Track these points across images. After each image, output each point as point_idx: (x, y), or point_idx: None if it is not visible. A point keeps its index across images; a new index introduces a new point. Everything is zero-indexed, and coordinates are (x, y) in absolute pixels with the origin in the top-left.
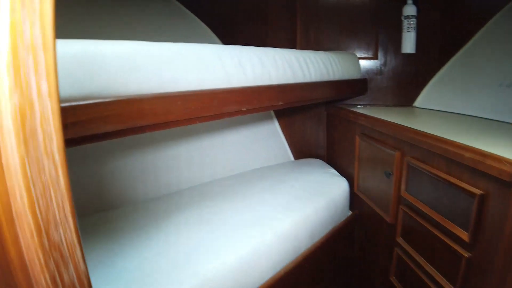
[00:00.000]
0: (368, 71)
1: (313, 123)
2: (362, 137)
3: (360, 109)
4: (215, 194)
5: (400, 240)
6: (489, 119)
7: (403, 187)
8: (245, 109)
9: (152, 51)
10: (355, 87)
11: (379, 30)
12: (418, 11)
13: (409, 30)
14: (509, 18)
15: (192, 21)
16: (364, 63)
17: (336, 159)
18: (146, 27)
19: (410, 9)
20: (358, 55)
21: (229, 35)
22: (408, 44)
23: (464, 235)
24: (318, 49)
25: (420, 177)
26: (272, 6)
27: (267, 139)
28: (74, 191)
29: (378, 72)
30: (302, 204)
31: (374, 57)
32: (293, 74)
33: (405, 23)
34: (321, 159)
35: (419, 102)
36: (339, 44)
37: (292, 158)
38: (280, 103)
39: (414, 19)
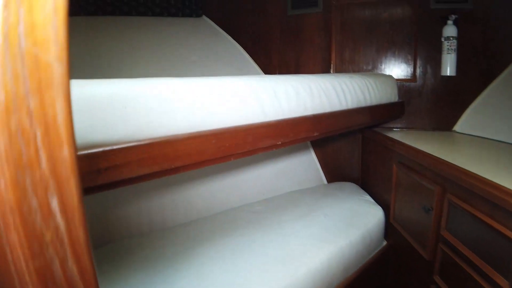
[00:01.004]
0: (406, 93)
1: (347, 145)
2: (400, 166)
3: (397, 134)
4: (247, 222)
5: (437, 278)
6: None
7: (443, 224)
8: (280, 143)
9: (186, 89)
10: (392, 111)
11: (417, 50)
12: (459, 32)
13: (449, 51)
14: None
15: (224, 39)
16: (401, 85)
17: (371, 184)
18: (177, 45)
19: (450, 30)
20: (395, 76)
21: (262, 53)
22: (448, 66)
23: (505, 284)
24: (353, 70)
25: (462, 216)
26: (307, 25)
27: (299, 160)
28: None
29: (416, 94)
30: (336, 236)
31: (412, 79)
32: (329, 102)
33: (445, 44)
34: (355, 183)
35: (459, 126)
36: (375, 64)
37: (325, 181)
38: (315, 134)
39: (455, 40)
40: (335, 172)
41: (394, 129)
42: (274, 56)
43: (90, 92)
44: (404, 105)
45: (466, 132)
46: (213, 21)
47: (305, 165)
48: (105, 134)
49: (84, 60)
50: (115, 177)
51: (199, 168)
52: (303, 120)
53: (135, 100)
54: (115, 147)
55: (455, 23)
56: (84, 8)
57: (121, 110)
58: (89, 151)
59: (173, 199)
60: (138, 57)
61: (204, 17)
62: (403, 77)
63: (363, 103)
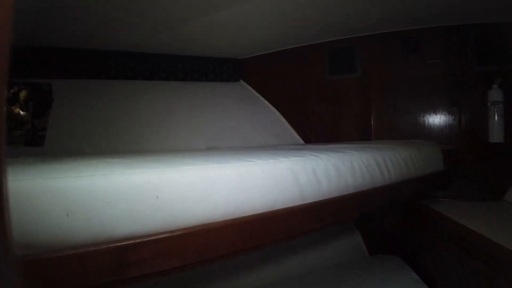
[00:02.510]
0: (451, 161)
1: (390, 216)
2: (450, 245)
3: (443, 206)
4: None
5: None
6: None
7: None
8: (319, 226)
9: (221, 175)
10: (438, 181)
11: (462, 115)
12: (505, 95)
13: (496, 116)
14: None
15: (261, 104)
16: (446, 152)
17: (416, 258)
18: (215, 110)
19: (496, 95)
20: (439, 143)
21: (300, 119)
22: (496, 132)
23: None
24: (393, 136)
25: None
26: (345, 91)
27: (339, 231)
28: None
29: (463, 162)
30: None
31: (458, 146)
32: (371, 178)
33: (492, 109)
34: (398, 255)
35: (510, 195)
36: (416, 131)
37: (366, 253)
38: (357, 213)
39: (501, 105)
40: (376, 243)
41: (440, 200)
42: (312, 122)
43: (122, 183)
44: (450, 174)
45: None
46: (251, 85)
47: (345, 237)
48: (135, 225)
49: (125, 123)
50: (144, 271)
51: (232, 258)
52: (344, 199)
53: (168, 189)
54: (145, 239)
55: (501, 86)
56: (125, 74)
57: (153, 200)
58: (118, 244)
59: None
60: (176, 121)
61: (241, 81)
62: (447, 144)
63: (407, 176)
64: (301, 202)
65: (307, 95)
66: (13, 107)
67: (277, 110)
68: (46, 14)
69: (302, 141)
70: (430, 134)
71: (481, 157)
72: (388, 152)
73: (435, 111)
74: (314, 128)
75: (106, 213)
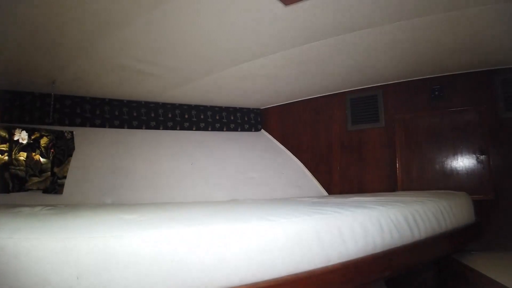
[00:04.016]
0: (483, 211)
1: (419, 273)
2: None
3: (476, 260)
4: None
5: None
6: None
7: None
8: None
9: (239, 235)
10: (470, 235)
11: (491, 162)
12: None
13: None
14: None
15: (283, 154)
16: (477, 202)
17: None
18: (236, 160)
19: None
20: (469, 193)
21: (323, 169)
22: None
23: None
24: (421, 187)
25: None
26: (369, 141)
27: None
28: None
29: (495, 211)
30: None
31: (489, 195)
32: (400, 236)
33: None
34: None
35: None
36: (445, 180)
37: None
38: (386, 274)
39: None
40: None
41: (472, 252)
42: (336, 172)
43: (135, 245)
44: (481, 227)
45: None
46: (272, 135)
47: None
48: None
49: (145, 173)
50: None
51: None
52: (372, 259)
53: (184, 251)
54: None
55: None
56: (147, 123)
57: (167, 264)
58: None
59: None
60: (197, 172)
61: (263, 131)
62: (478, 194)
63: (437, 231)
64: (327, 263)
65: (330, 145)
66: (34, 154)
67: (299, 160)
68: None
69: (325, 193)
70: (459, 183)
71: None
72: (416, 206)
73: (463, 159)
74: (337, 178)
75: (117, 277)
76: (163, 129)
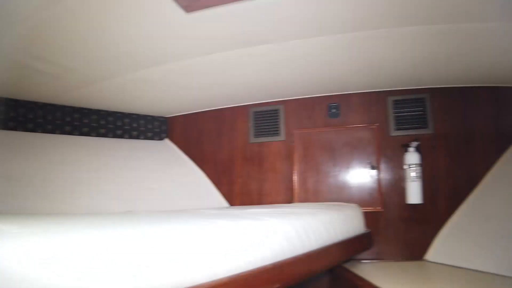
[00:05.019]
0: (373, 223)
1: (316, 285)
2: None
3: (366, 268)
4: None
5: None
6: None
7: None
8: None
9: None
10: (360, 244)
11: (381, 178)
12: (422, 158)
13: (414, 179)
14: None
15: (186, 165)
16: (368, 214)
17: None
18: (138, 169)
19: (413, 157)
20: (361, 206)
21: (225, 181)
22: (414, 193)
23: None
24: (316, 199)
25: None
26: (269, 154)
27: None
28: None
29: (384, 223)
30: None
31: (379, 208)
32: (291, 247)
33: (409, 171)
34: None
35: (430, 255)
36: (339, 193)
37: None
38: (276, 286)
39: (419, 167)
40: None
41: (363, 261)
42: (237, 184)
43: None
44: (371, 236)
45: (438, 261)
46: (176, 145)
47: None
48: None
49: (35, 180)
50: None
51: None
52: (261, 272)
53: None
54: None
55: (418, 149)
56: (43, 127)
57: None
58: None
59: None
60: (94, 180)
61: (166, 140)
62: (369, 206)
63: (329, 241)
64: (213, 278)
65: (232, 157)
66: None
67: (203, 171)
68: None
69: (227, 204)
70: (351, 196)
71: (402, 218)
72: (308, 218)
73: (355, 173)
74: (238, 190)
75: None
76: (60, 133)
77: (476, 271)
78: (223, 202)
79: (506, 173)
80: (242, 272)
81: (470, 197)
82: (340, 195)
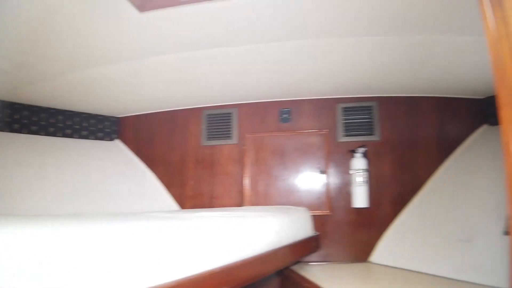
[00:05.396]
0: (321, 226)
1: (262, 285)
2: None
3: (313, 270)
4: None
5: None
6: (453, 279)
7: None
8: None
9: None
10: (309, 246)
11: (330, 182)
12: (368, 163)
13: (360, 183)
14: (459, 163)
15: (137, 167)
16: (316, 217)
17: None
18: (87, 170)
19: (359, 163)
20: (310, 209)
21: (177, 183)
22: (360, 197)
23: None
24: (267, 203)
25: None
26: (221, 157)
27: None
28: None
29: (332, 226)
30: None
31: (327, 211)
32: (239, 250)
33: (356, 176)
34: None
35: (374, 257)
36: (289, 197)
37: None
38: None
39: (365, 172)
40: None
41: (311, 263)
42: (189, 187)
43: None
44: (320, 238)
45: (381, 263)
46: (127, 146)
47: None
48: None
49: None
50: None
51: None
52: (209, 276)
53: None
54: None
55: (364, 155)
56: None
57: None
58: None
59: None
60: (40, 181)
61: (118, 141)
62: (317, 209)
63: (277, 244)
64: (160, 283)
65: (184, 159)
66: None
67: (154, 173)
68: None
69: (178, 207)
70: (300, 199)
71: (349, 222)
72: (257, 221)
73: (305, 178)
74: (190, 193)
75: None
76: (8, 131)
77: (417, 272)
78: (174, 205)
79: (447, 179)
80: (190, 276)
81: (413, 202)
82: (290, 199)
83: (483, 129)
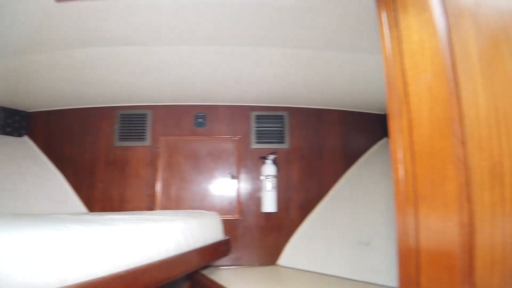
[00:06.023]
0: (232, 230)
1: None
2: None
3: (223, 274)
4: None
5: None
6: (352, 279)
7: None
8: None
9: None
10: (219, 251)
11: (241, 187)
12: (278, 170)
13: (270, 189)
14: (360, 172)
15: (45, 166)
16: (227, 222)
17: None
18: None
19: (269, 169)
20: (221, 214)
21: (85, 185)
22: (269, 202)
23: None
24: (178, 207)
25: None
26: (133, 159)
27: None
28: None
29: (242, 231)
30: None
31: (237, 216)
32: (146, 254)
33: (266, 182)
34: None
35: (282, 260)
36: (201, 201)
37: None
38: None
39: (274, 179)
40: None
41: (222, 268)
42: (98, 189)
43: None
44: (230, 243)
45: (289, 266)
46: (36, 143)
47: None
48: None
49: None
50: None
51: None
52: (113, 280)
53: None
54: None
55: (274, 162)
56: None
57: None
58: None
59: None
60: None
61: (26, 137)
62: (228, 214)
63: (186, 248)
64: (60, 285)
65: (94, 160)
66: None
67: (62, 174)
68: None
69: (86, 210)
70: (212, 204)
71: (258, 226)
72: (165, 225)
73: (217, 182)
74: (99, 196)
75: None
76: None
77: (322, 274)
78: (82, 208)
79: (349, 187)
80: (94, 279)
81: (318, 207)
82: (202, 203)
83: (384, 141)
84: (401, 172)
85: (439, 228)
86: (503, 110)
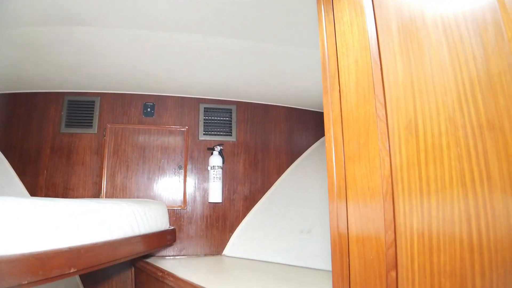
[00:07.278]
0: (177, 220)
1: (118, 279)
2: None
3: (169, 263)
4: None
5: None
6: (294, 265)
7: None
8: (25, 282)
9: None
10: (164, 239)
11: (187, 178)
12: (225, 161)
13: (215, 180)
14: (302, 166)
15: None
16: (173, 212)
17: None
18: None
19: (215, 160)
20: (167, 203)
21: (30, 172)
22: (215, 193)
23: None
24: (124, 196)
25: None
26: (79, 146)
27: None
28: None
29: (188, 221)
30: None
31: (183, 206)
32: (89, 233)
33: (211, 173)
34: None
35: (227, 250)
36: (147, 191)
37: None
38: (72, 270)
39: (220, 170)
40: None
41: (167, 257)
42: (42, 176)
43: None
44: (175, 233)
45: (234, 255)
46: None
47: None
48: None
49: None
50: None
51: None
52: (56, 255)
53: None
54: None
55: (221, 153)
56: None
57: None
58: None
59: None
60: None
61: None
62: (174, 204)
63: (130, 233)
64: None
65: (40, 146)
66: None
67: (7, 160)
68: None
69: (29, 196)
70: (159, 193)
71: (204, 217)
72: (109, 207)
73: (165, 173)
74: (43, 182)
75: None
76: None
77: (266, 261)
78: (25, 194)
79: (292, 180)
80: (34, 251)
81: (262, 199)
82: (148, 193)
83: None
84: (332, 139)
85: (365, 184)
86: (416, 75)
